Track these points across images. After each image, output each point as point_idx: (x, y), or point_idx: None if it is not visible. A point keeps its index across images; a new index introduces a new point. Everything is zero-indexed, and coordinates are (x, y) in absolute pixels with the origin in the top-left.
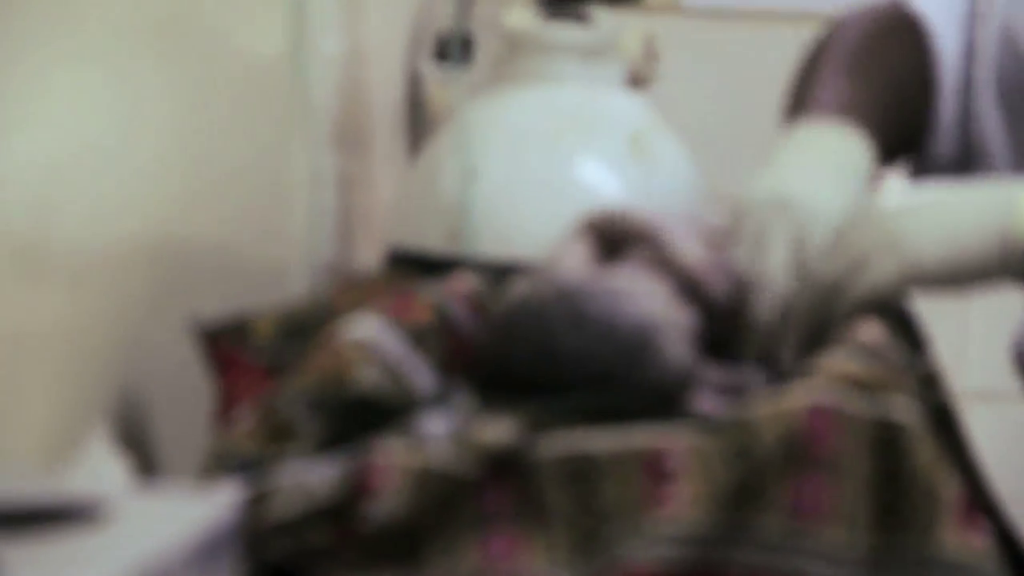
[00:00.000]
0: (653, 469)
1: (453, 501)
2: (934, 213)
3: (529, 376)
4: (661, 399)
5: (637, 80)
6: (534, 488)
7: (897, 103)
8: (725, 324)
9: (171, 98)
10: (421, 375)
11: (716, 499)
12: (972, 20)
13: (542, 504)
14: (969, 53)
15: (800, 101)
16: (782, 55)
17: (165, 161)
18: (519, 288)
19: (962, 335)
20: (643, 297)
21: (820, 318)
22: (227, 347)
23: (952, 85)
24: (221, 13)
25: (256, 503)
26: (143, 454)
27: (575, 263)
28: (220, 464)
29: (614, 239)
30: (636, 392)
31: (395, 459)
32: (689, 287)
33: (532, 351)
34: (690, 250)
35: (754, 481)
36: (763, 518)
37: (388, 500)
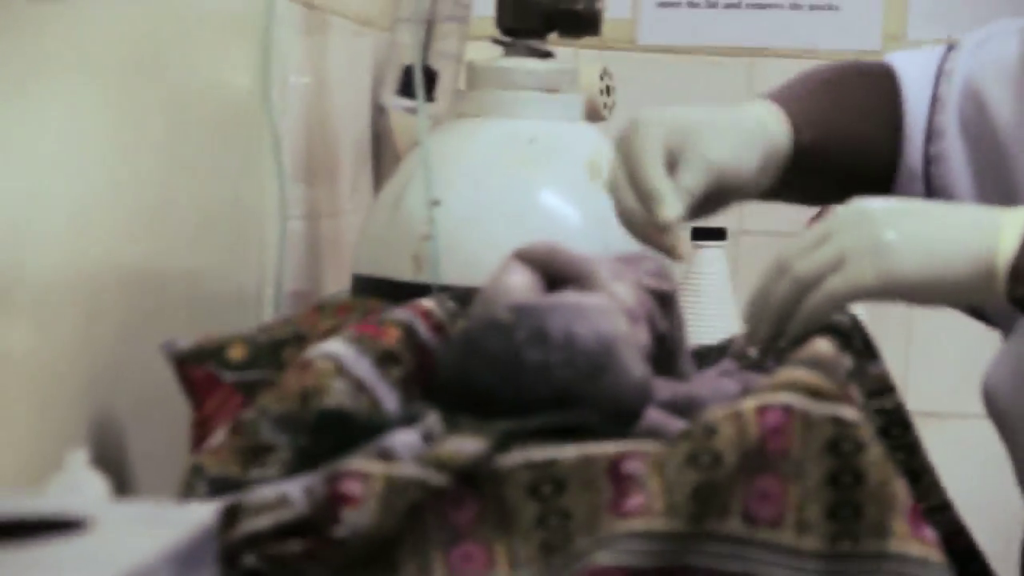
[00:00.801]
0: (616, 476)
1: (422, 511)
2: (920, 223)
3: (491, 391)
4: (622, 413)
5: (594, 113)
6: (500, 498)
7: (859, 134)
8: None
9: (145, 129)
10: (388, 395)
11: (677, 503)
12: (939, 76)
13: (507, 513)
14: (934, 103)
15: None
16: (731, 88)
17: (138, 190)
18: (478, 307)
19: (904, 357)
20: (601, 313)
21: (792, 310)
22: (202, 369)
23: (920, 131)
24: (193, 48)
25: (231, 516)
26: (120, 476)
27: (521, 287)
28: (197, 483)
29: (548, 273)
30: (599, 407)
31: (366, 471)
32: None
33: (495, 366)
34: (619, 292)
35: (712, 482)
36: (722, 518)
37: (360, 511)
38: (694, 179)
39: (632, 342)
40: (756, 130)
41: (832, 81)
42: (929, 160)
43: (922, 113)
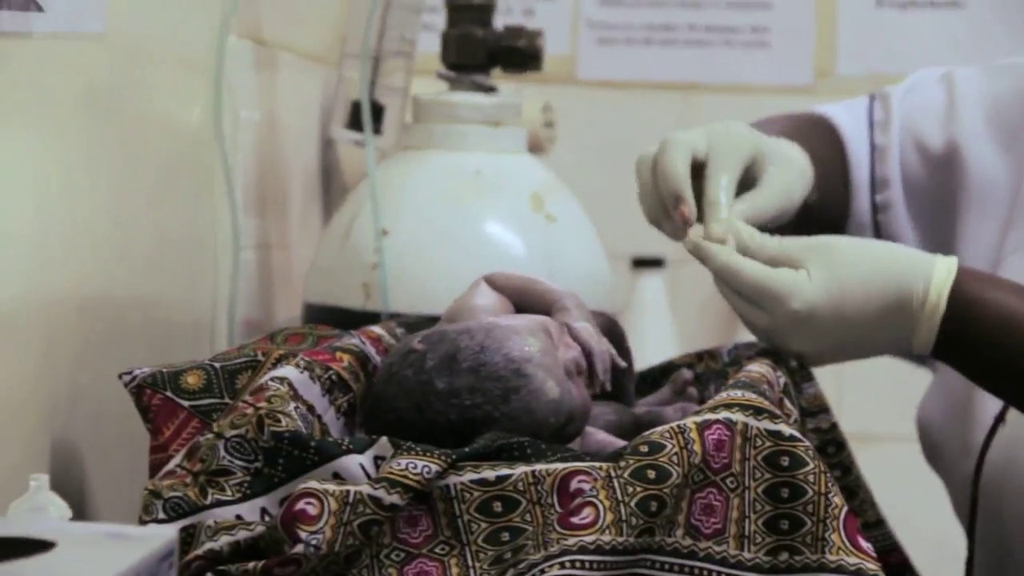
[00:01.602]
0: (565, 492)
1: (376, 530)
2: (848, 346)
3: (403, 418)
4: (540, 432)
5: (536, 146)
6: (452, 515)
7: (824, 181)
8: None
9: (101, 163)
10: (334, 423)
11: (624, 516)
12: (872, 127)
13: (460, 530)
14: (873, 152)
15: None
16: (666, 120)
17: (95, 223)
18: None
19: (838, 379)
20: (514, 334)
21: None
22: (159, 396)
23: (865, 181)
24: (147, 85)
25: (189, 538)
26: (79, 500)
27: (487, 309)
28: (155, 506)
29: (520, 300)
30: (512, 427)
31: (321, 490)
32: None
33: (408, 394)
34: (585, 328)
35: (658, 496)
36: (668, 531)
37: (316, 529)
38: (767, 201)
39: (549, 362)
40: (804, 169)
41: (799, 128)
42: (876, 208)
43: (865, 163)
